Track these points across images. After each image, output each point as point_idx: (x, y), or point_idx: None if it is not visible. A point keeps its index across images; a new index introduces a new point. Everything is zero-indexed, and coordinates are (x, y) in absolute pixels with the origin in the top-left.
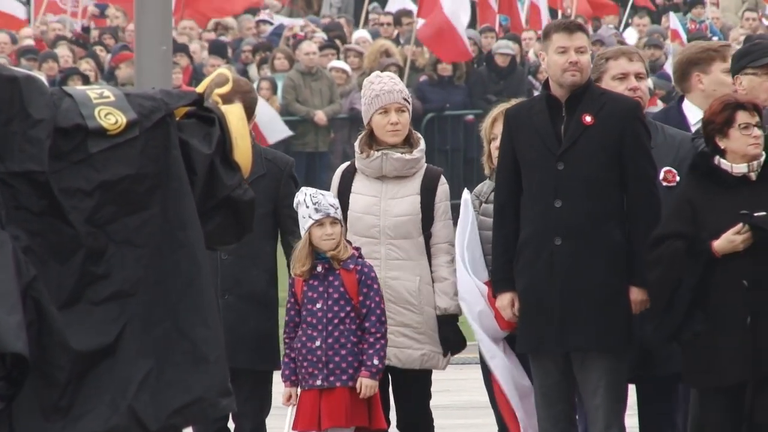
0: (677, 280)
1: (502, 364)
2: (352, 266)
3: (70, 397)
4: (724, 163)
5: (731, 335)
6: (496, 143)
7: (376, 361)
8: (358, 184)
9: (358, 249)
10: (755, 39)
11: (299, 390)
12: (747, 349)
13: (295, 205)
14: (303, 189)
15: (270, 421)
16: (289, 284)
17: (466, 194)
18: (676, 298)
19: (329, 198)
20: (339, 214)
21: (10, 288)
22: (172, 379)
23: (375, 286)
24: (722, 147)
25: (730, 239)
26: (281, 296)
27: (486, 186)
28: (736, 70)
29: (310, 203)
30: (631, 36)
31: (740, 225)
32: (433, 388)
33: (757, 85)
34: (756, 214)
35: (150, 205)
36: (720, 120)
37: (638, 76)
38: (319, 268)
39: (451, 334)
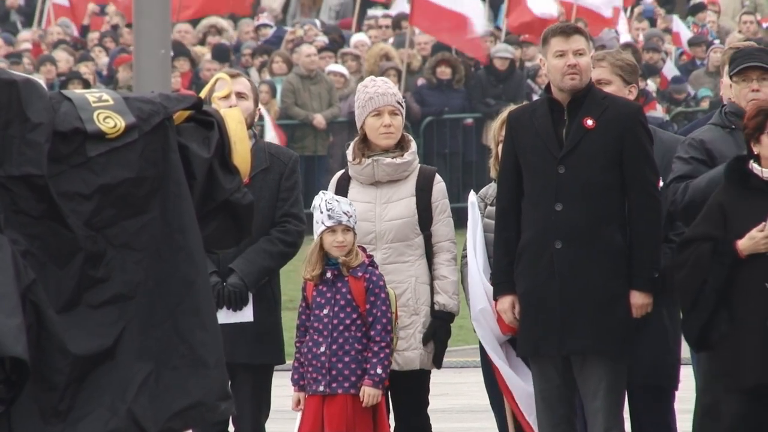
0: (702, 282)
1: (506, 366)
2: (360, 274)
3: (69, 401)
4: (756, 168)
5: (751, 337)
6: None
7: (379, 370)
8: (353, 191)
9: (370, 257)
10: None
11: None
12: (765, 352)
13: (311, 207)
14: (321, 193)
15: (272, 425)
16: (302, 288)
17: (472, 197)
18: (701, 299)
19: (344, 205)
20: (352, 222)
21: (9, 291)
22: (171, 382)
23: (383, 295)
24: (756, 152)
25: (751, 236)
26: (284, 298)
27: (491, 189)
28: (729, 77)
29: (324, 209)
30: (625, 38)
31: (763, 224)
32: (431, 392)
33: (737, 91)
34: None
35: (149, 208)
36: (752, 125)
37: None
38: (329, 274)
39: (439, 331)
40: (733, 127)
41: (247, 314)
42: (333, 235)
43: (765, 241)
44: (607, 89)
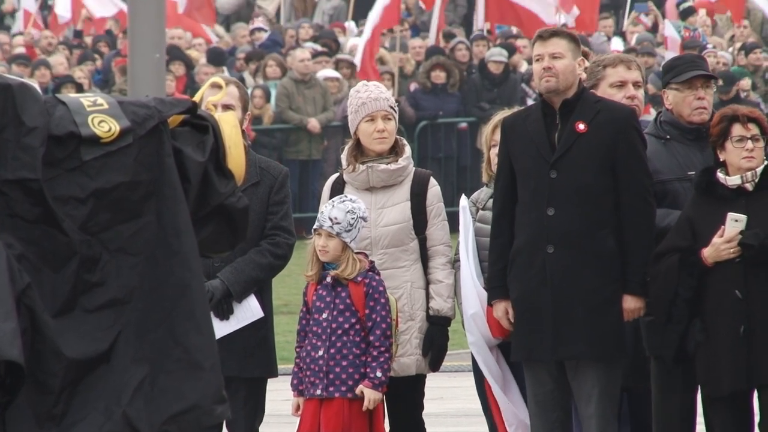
0: (674, 294)
1: (495, 373)
2: (360, 279)
3: (64, 405)
4: (720, 176)
5: (726, 346)
6: (497, 150)
7: (379, 374)
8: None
9: (372, 262)
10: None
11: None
12: (741, 359)
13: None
14: (342, 195)
15: (267, 430)
16: (303, 292)
17: (464, 201)
18: (674, 311)
19: (336, 211)
20: (337, 230)
21: (3, 295)
22: (166, 386)
23: (382, 300)
24: (722, 159)
25: (712, 243)
26: (276, 303)
27: (483, 193)
28: (663, 85)
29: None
30: (617, 45)
31: (722, 228)
32: (426, 396)
33: (680, 100)
34: (744, 231)
35: (144, 212)
36: (716, 132)
37: (636, 85)
38: (328, 279)
39: (437, 337)
40: (668, 137)
41: (253, 312)
42: (318, 239)
43: (725, 247)
44: (640, 92)
